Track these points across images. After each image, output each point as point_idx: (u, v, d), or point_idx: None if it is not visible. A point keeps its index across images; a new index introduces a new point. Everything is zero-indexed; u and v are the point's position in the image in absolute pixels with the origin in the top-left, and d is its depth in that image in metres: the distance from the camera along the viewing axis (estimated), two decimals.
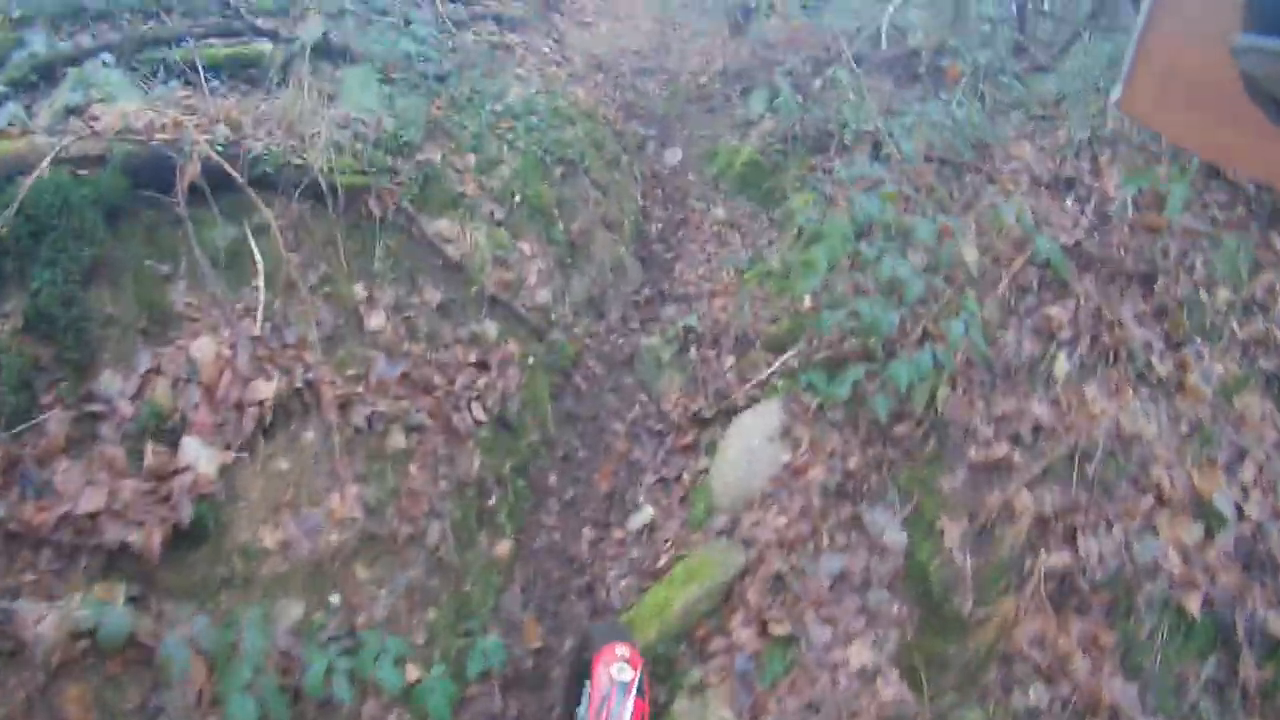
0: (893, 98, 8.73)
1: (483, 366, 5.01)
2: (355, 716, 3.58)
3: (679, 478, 5.13)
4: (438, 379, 4.75)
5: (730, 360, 5.55)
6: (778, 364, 5.22)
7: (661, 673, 3.95)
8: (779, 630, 3.91)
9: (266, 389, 3.89)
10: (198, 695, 3.14)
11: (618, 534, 5.01)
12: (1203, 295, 4.92)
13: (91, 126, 4.07)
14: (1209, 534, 3.96)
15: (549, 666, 4.32)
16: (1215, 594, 3.73)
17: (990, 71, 8.71)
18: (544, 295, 5.65)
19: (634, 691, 2.46)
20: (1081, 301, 4.90)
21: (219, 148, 4.29)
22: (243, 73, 5.93)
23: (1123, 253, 5.20)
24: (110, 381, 3.51)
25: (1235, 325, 4.82)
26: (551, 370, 5.55)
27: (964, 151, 6.60)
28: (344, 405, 4.21)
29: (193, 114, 4.66)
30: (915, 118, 7.64)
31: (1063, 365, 4.62)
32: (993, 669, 3.67)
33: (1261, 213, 5.47)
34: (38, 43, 5.62)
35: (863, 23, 12.75)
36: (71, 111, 4.72)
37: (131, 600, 3.17)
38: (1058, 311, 4.86)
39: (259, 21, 6.65)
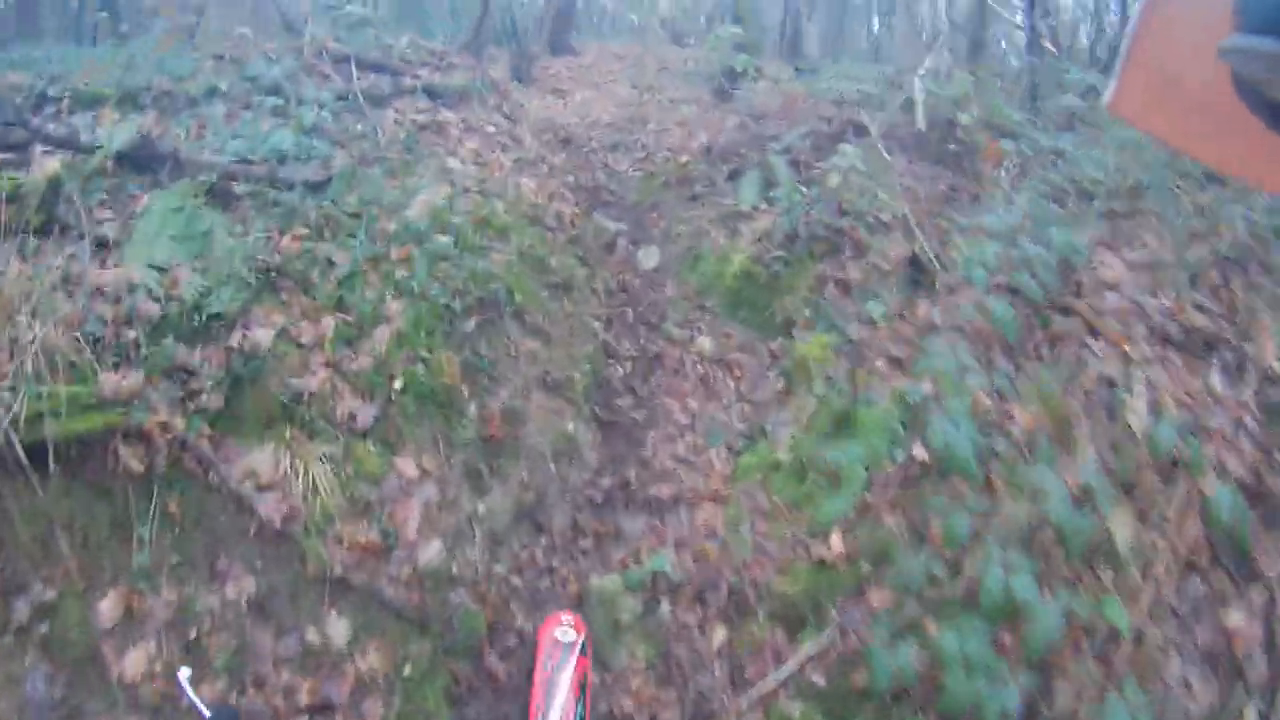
0: (920, 185, 6.79)
1: (323, 711, 2.98)
2: None
3: None
4: None
5: (720, 635, 3.48)
6: (791, 664, 3.16)
7: None
8: None
9: None
10: None
11: None
12: None
13: None
14: None
15: None
16: None
17: (1037, 149, 6.80)
18: (433, 550, 3.44)
19: (577, 650, 2.49)
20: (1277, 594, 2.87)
21: None
22: None
23: None
24: None
25: None
26: (448, 667, 3.40)
27: (1041, 275, 4.58)
28: None
29: None
30: (960, 221, 5.70)
31: None
32: None
33: None
34: None
35: (865, 86, 10.95)
36: None
37: None
38: (1241, 622, 2.82)
39: (52, 127, 4.67)
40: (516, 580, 3.91)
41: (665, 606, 3.66)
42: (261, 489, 3.09)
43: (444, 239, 4.69)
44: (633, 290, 6.86)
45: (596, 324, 5.67)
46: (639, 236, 7.86)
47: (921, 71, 8.02)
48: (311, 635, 2.98)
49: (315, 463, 3.21)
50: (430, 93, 6.94)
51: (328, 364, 3.60)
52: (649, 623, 3.62)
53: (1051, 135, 7.17)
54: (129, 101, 5.42)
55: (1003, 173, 6.33)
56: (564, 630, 2.76)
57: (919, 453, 3.50)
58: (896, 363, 4.36)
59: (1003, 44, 16.64)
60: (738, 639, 3.43)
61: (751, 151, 8.33)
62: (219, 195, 4.27)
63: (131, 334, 3.13)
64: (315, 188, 4.73)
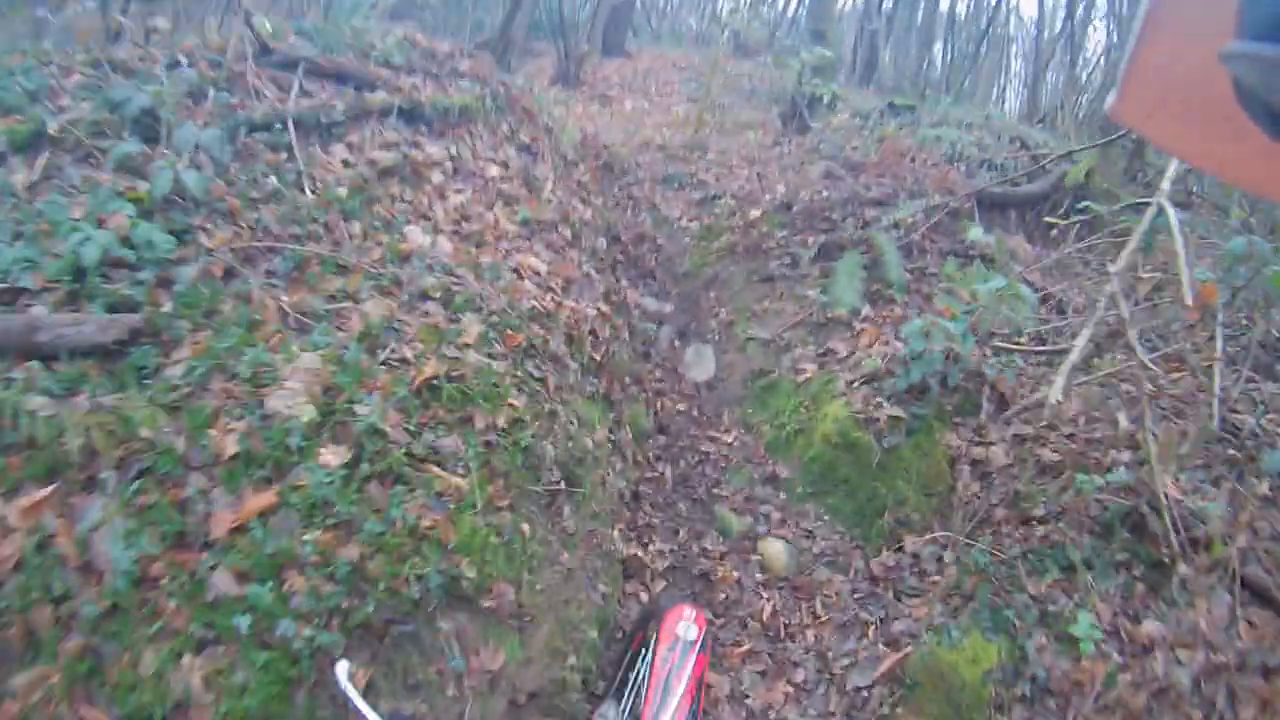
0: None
1: None
2: None
3: None
4: None
5: None
6: None
7: None
8: None
9: None
10: None
11: None
12: None
13: None
14: None
15: None
16: None
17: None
18: None
19: (698, 647, 2.31)
20: None
21: None
22: None
23: None
24: None
25: None
26: None
27: None
28: None
29: None
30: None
31: None
32: None
33: None
34: None
35: (978, 137, 8.61)
36: None
37: None
38: None
39: None
40: None
41: None
42: None
43: (328, 459, 2.51)
44: (674, 428, 4.64)
45: (614, 532, 3.43)
46: (689, 325, 5.64)
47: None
48: None
49: None
50: (411, 114, 4.66)
51: None
52: None
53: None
54: None
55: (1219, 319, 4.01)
56: (686, 626, 2.35)
57: None
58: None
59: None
60: None
61: (846, 218, 6.10)
62: None
63: None
64: (104, 356, 2.53)
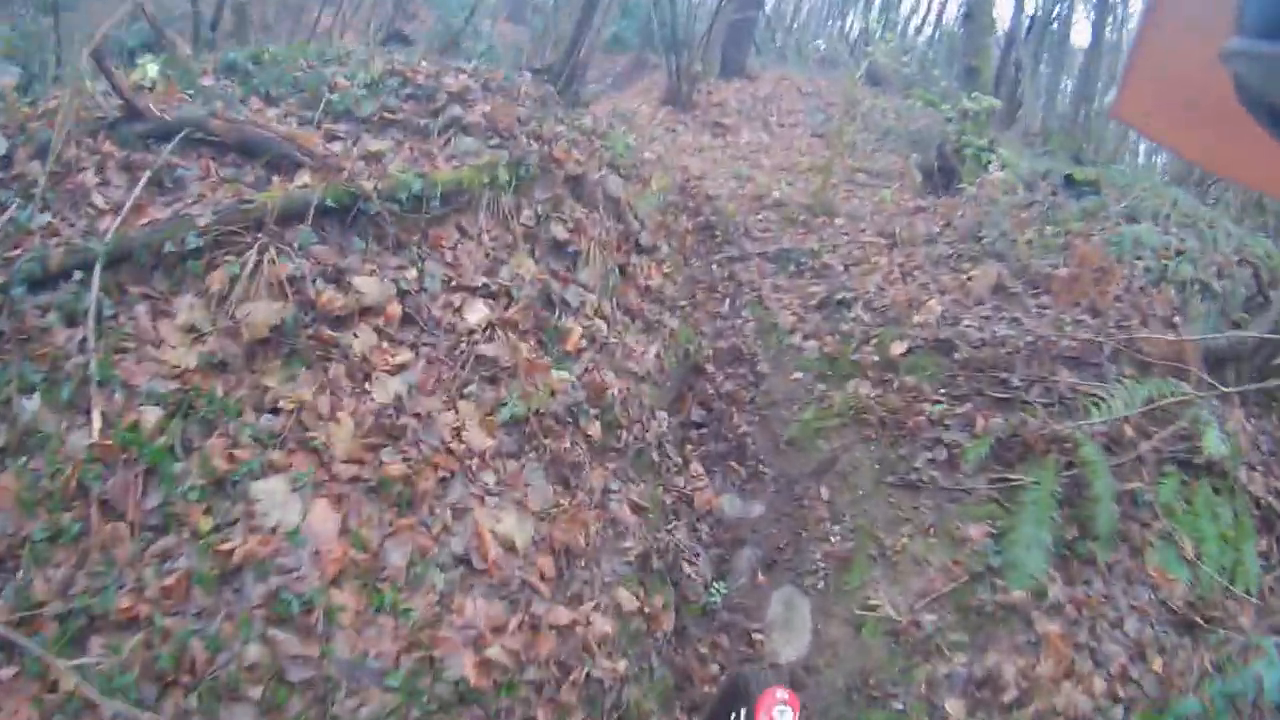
0: None
1: None
2: None
3: None
4: None
5: None
6: None
7: None
8: None
9: None
10: None
11: None
12: None
13: None
14: None
15: None
16: None
17: None
18: None
19: None
20: None
21: None
22: None
23: None
24: None
25: None
26: None
27: None
28: None
29: None
30: None
31: None
32: None
33: None
34: None
35: (1190, 241, 6.11)
36: None
37: None
38: None
39: None
40: None
41: None
42: None
43: None
44: None
45: None
46: (783, 549, 3.60)
47: None
48: None
49: None
50: (347, 214, 2.68)
51: None
52: None
53: None
54: None
55: None
56: (781, 710, 2.11)
57: None
58: None
59: None
60: None
61: (1032, 384, 3.97)
62: None
63: None
64: None
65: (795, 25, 17.36)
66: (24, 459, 1.93)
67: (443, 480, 2.37)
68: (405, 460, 2.36)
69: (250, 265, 2.50)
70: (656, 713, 2.54)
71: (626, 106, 12.92)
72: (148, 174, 2.60)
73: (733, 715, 2.31)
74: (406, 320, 2.82)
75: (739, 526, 3.64)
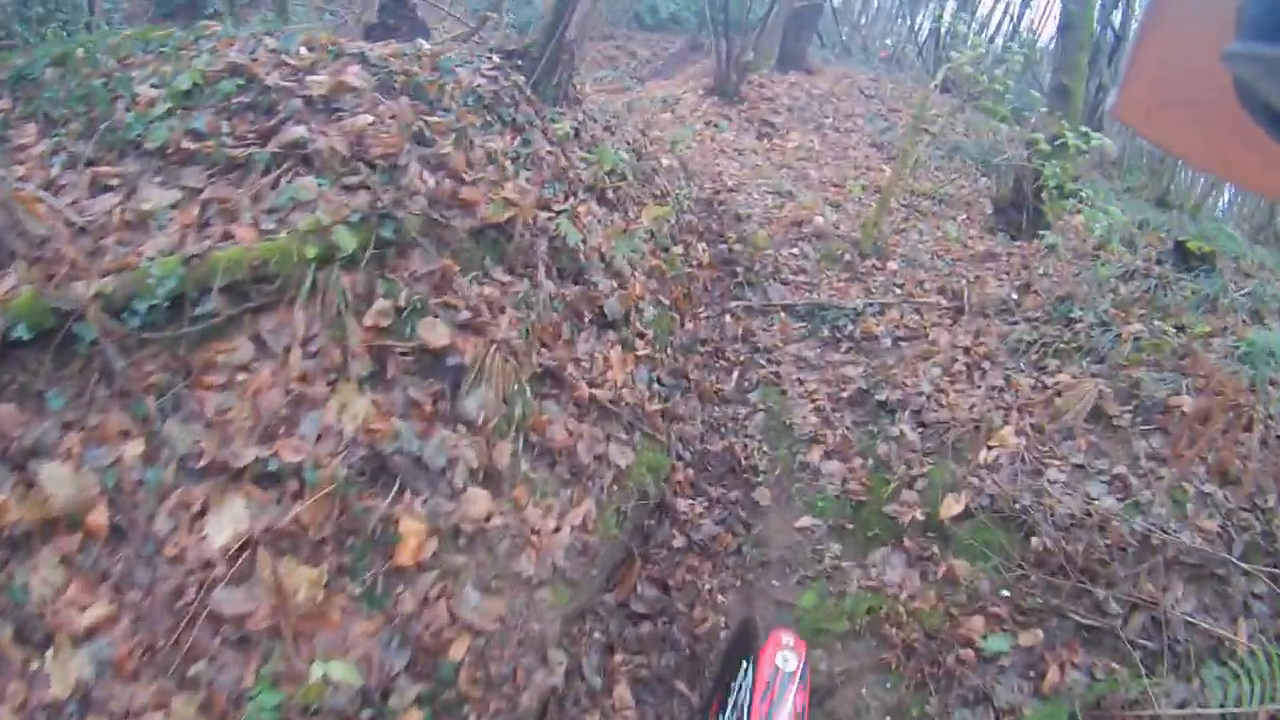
0: None
1: None
2: None
3: None
4: None
5: None
6: None
7: None
8: None
9: None
10: None
11: None
12: None
13: None
14: None
15: None
16: None
17: None
18: None
19: (798, 679, 2.07)
20: None
21: None
22: None
23: None
24: None
25: None
26: None
27: None
28: None
29: None
30: None
31: None
32: None
33: None
34: None
35: None
36: None
37: None
38: None
39: None
40: None
41: None
42: None
43: None
44: None
45: None
46: None
47: None
48: None
49: None
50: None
51: None
52: None
53: None
54: None
55: None
56: (785, 656, 2.07)
57: None
58: None
59: None
60: None
61: (1134, 609, 2.64)
62: None
63: None
64: None
65: (864, 20, 15.57)
66: None
67: None
68: None
69: None
70: None
71: (670, 93, 11.49)
72: None
73: (742, 664, 2.20)
74: (116, 537, 1.59)
75: None
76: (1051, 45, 15.10)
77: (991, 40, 14.62)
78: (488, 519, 2.06)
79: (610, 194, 4.19)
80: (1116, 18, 11.80)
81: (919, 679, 2.50)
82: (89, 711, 1.47)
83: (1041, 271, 5.84)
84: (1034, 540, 2.85)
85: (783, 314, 5.12)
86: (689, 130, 7.19)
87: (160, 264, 1.79)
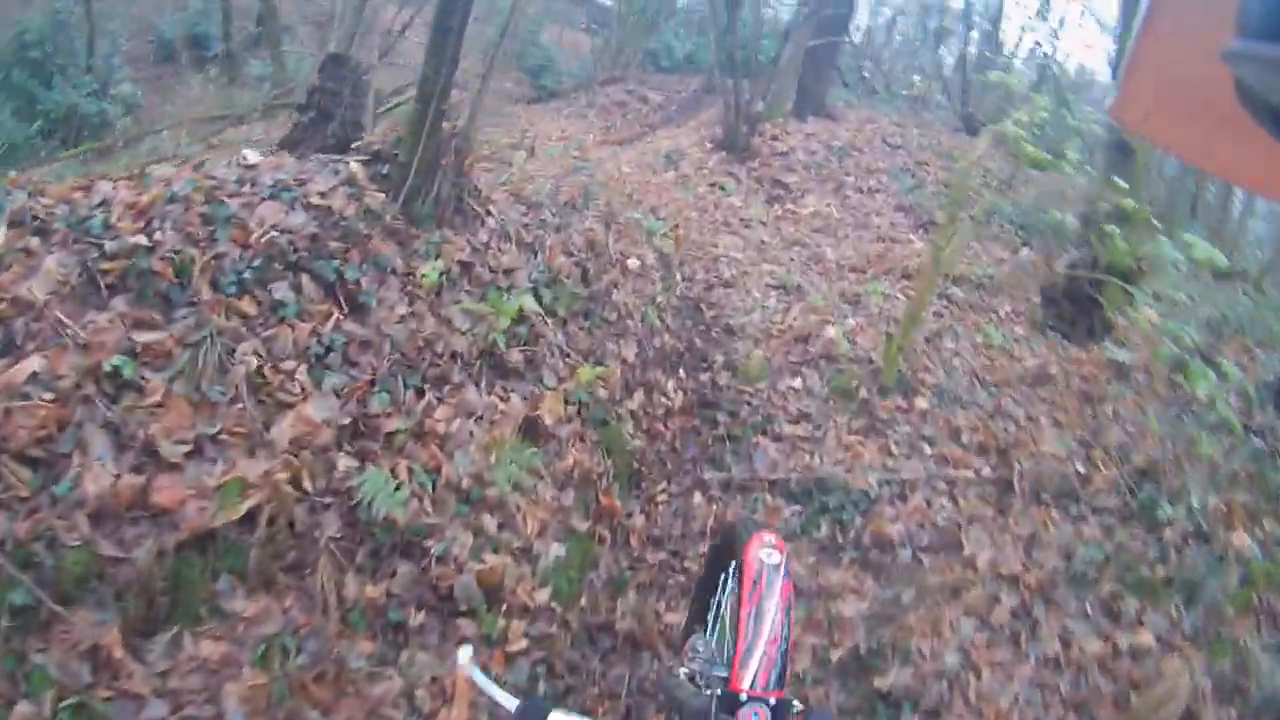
0: None
1: None
2: None
3: None
4: None
5: None
6: None
7: None
8: None
9: None
10: None
11: None
12: None
13: None
14: None
15: None
16: None
17: None
18: None
19: (783, 572, 2.08)
20: None
21: None
22: None
23: None
24: None
25: None
26: None
27: None
28: None
29: None
30: None
31: None
32: None
33: None
34: None
35: None
36: None
37: None
38: None
39: None
40: None
41: None
42: None
43: None
44: None
45: None
46: None
47: None
48: None
49: None
50: None
51: None
52: None
53: None
54: None
55: None
56: (768, 552, 2.08)
57: None
58: None
59: None
60: None
61: None
62: None
63: None
64: None
65: (887, 54, 14.11)
66: None
67: None
68: None
69: None
70: None
71: (676, 145, 10.23)
72: None
73: (725, 559, 2.22)
74: None
75: None
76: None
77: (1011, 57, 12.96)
78: None
79: (513, 359, 2.95)
80: None
81: None
82: None
83: (1111, 412, 4.46)
84: None
85: (769, 495, 3.82)
86: (663, 225, 5.86)
87: None
